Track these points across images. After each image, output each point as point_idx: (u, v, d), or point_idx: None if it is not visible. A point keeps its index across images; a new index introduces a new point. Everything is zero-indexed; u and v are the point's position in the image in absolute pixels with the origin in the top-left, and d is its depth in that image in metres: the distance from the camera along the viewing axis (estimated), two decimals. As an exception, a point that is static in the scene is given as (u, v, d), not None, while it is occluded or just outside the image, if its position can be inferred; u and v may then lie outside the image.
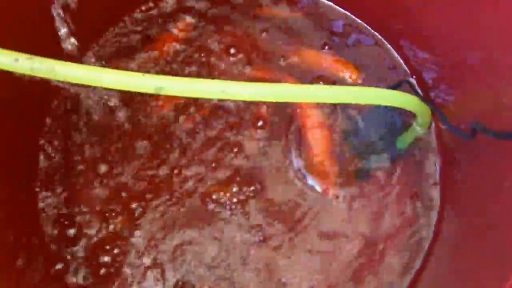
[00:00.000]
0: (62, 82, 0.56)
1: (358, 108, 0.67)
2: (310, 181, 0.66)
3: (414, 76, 0.67)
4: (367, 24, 0.71)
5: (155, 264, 0.64)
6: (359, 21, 0.71)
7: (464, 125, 0.53)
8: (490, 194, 0.50)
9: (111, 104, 0.67)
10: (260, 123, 0.68)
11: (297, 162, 0.66)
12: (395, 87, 0.63)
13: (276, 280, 0.63)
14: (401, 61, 0.69)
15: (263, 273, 0.63)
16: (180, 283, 0.63)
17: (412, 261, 0.64)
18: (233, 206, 0.65)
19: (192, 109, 0.69)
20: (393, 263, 0.64)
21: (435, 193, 0.65)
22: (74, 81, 0.43)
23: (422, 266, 0.63)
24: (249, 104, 0.69)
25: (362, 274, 0.63)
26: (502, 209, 0.47)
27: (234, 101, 0.68)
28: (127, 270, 0.63)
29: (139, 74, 0.45)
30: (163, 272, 0.64)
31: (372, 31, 0.71)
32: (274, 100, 0.48)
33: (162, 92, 0.45)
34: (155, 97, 0.69)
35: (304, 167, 0.66)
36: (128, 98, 0.68)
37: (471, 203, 0.56)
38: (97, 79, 0.44)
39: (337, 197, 0.66)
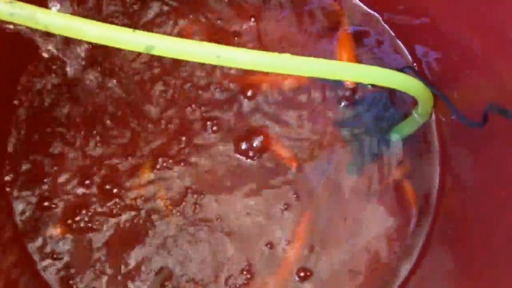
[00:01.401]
0: (41, 40, 0.52)
1: (351, 96, 0.65)
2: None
3: (415, 63, 0.65)
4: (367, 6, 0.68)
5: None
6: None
7: (469, 113, 0.51)
8: (492, 189, 0.48)
9: (88, 65, 0.64)
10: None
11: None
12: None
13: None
14: (403, 47, 0.66)
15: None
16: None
17: (405, 259, 0.62)
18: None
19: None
20: (386, 260, 0.62)
21: (433, 188, 0.63)
22: (56, 32, 0.40)
23: (417, 263, 0.61)
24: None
25: (355, 270, 0.62)
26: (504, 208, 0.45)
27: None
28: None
29: (129, 30, 0.41)
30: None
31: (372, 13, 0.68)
32: (273, 71, 0.45)
33: (153, 52, 0.42)
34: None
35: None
36: (109, 60, 0.65)
37: (471, 200, 0.54)
38: (81, 31, 0.40)
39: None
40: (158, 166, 0.63)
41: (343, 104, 0.65)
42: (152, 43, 0.42)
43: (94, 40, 0.41)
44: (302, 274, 0.61)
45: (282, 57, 0.45)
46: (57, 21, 0.40)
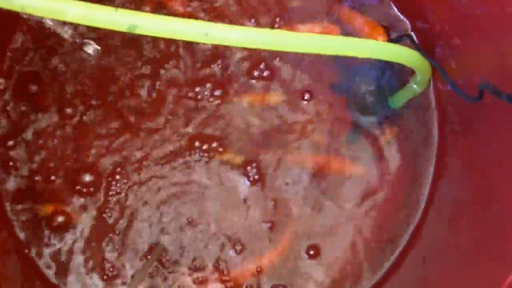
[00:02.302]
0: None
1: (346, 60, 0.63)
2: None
3: (413, 31, 0.63)
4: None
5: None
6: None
7: (468, 85, 0.50)
8: (493, 165, 0.47)
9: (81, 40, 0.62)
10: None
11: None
12: (395, 41, 0.59)
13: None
14: (400, 14, 0.64)
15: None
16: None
17: (400, 235, 0.62)
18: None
19: None
20: (381, 234, 0.62)
21: (431, 159, 0.62)
22: (32, 13, 0.38)
23: (412, 240, 0.61)
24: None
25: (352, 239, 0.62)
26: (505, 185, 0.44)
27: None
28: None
29: (111, 9, 0.40)
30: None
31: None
32: (265, 48, 0.43)
33: (137, 31, 0.40)
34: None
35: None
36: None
37: (470, 174, 0.53)
38: (60, 11, 0.38)
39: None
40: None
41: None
42: (135, 22, 0.40)
43: (74, 20, 0.39)
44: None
45: (273, 33, 0.43)
46: (32, 1, 0.38)
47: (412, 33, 0.63)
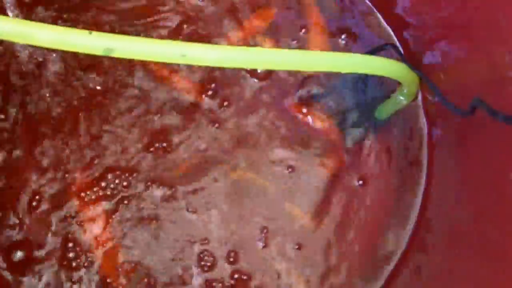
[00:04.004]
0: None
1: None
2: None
3: (399, 41, 0.63)
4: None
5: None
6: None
7: (458, 98, 0.49)
8: (485, 181, 0.47)
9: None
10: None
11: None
12: (376, 51, 0.59)
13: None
14: (382, 20, 0.64)
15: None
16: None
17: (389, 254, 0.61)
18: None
19: None
20: (372, 249, 0.61)
21: (420, 172, 0.62)
22: (2, 38, 0.38)
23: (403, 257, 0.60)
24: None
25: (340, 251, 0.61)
26: (498, 206, 0.43)
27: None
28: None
29: (85, 32, 0.39)
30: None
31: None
32: (244, 67, 0.43)
33: (113, 55, 0.40)
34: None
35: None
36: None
37: (461, 192, 0.52)
38: (29, 36, 0.38)
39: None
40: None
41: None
42: (111, 45, 0.40)
43: (45, 45, 0.39)
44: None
45: (252, 51, 0.43)
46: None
47: (396, 42, 0.63)
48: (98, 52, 0.39)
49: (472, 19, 0.47)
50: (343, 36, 0.63)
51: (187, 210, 0.60)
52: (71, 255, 0.59)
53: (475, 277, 0.46)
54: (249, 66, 0.43)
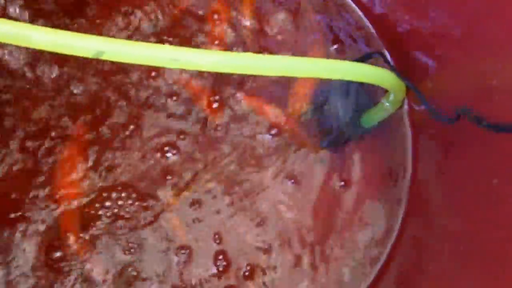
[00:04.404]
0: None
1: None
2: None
3: (388, 49, 0.63)
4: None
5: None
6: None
7: (444, 106, 0.50)
8: (468, 190, 0.47)
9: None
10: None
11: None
12: (364, 58, 0.59)
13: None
14: (371, 27, 0.65)
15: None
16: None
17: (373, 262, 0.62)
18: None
19: None
20: (355, 257, 0.61)
21: (405, 179, 0.62)
22: (-5, 40, 0.38)
23: (388, 260, 0.60)
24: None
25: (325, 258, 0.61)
26: (480, 214, 0.44)
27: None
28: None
29: (77, 34, 0.39)
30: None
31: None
32: (237, 72, 0.43)
33: (104, 57, 0.40)
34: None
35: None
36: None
37: (445, 199, 0.53)
38: (24, 37, 0.38)
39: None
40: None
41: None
42: (102, 48, 0.39)
43: (39, 46, 0.38)
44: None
45: (245, 57, 0.43)
46: (-5, 28, 0.37)
47: (384, 50, 0.63)
48: (89, 54, 0.39)
49: (460, 29, 0.48)
50: (335, 46, 0.64)
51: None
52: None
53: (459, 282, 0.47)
54: (240, 71, 0.43)
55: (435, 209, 0.55)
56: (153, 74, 0.62)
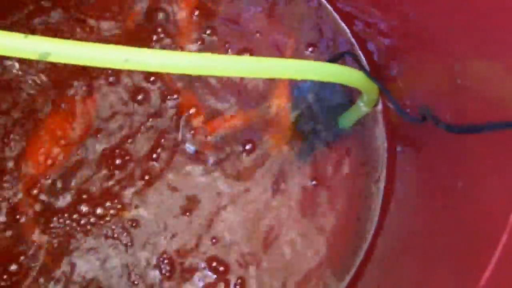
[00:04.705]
0: None
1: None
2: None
3: (360, 48, 0.62)
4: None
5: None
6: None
7: (415, 106, 0.49)
8: (437, 192, 0.46)
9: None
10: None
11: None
12: (335, 59, 0.58)
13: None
14: (345, 27, 0.63)
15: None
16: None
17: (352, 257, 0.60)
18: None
19: None
20: (332, 256, 0.60)
21: (380, 181, 0.61)
22: None
23: (365, 260, 0.59)
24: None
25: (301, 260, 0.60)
26: (452, 214, 0.43)
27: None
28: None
29: (20, 35, 0.38)
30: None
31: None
32: (191, 73, 0.42)
33: (50, 59, 0.38)
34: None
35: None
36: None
37: (417, 199, 0.51)
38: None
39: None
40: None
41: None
42: (48, 49, 0.38)
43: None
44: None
45: (199, 57, 0.42)
46: None
47: (360, 51, 0.62)
48: (34, 56, 0.38)
49: (427, 28, 0.47)
50: (310, 49, 0.63)
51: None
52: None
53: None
54: (197, 72, 0.42)
55: (409, 208, 0.55)
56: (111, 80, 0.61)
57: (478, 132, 0.33)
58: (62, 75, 0.61)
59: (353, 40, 0.63)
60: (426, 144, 0.50)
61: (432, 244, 0.46)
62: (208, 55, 0.42)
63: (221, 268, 0.59)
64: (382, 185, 0.61)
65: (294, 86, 0.63)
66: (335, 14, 0.63)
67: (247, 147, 0.61)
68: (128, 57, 0.39)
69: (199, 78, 0.61)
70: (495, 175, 0.37)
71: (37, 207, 0.59)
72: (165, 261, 0.59)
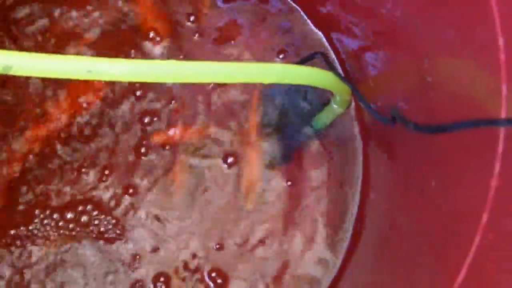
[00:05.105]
0: None
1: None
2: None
3: (331, 48, 0.62)
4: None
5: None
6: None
7: (385, 107, 0.49)
8: (411, 191, 0.46)
9: None
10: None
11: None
12: (305, 60, 0.57)
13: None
14: (315, 29, 0.63)
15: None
16: None
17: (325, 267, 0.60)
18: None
19: None
20: (310, 259, 0.60)
21: (357, 182, 0.61)
22: None
23: (342, 267, 0.59)
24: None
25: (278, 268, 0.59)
26: (426, 213, 0.42)
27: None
28: None
29: (-27, 49, 0.37)
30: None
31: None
32: (157, 81, 0.41)
33: (12, 72, 0.37)
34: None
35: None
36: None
37: (393, 198, 0.51)
38: None
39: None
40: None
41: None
42: (9, 62, 0.37)
43: None
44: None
45: (166, 65, 0.41)
46: None
47: (331, 51, 0.62)
48: (-6, 70, 0.37)
49: (396, 26, 0.47)
50: (281, 56, 0.63)
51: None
52: None
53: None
54: (162, 80, 0.41)
55: (384, 209, 0.54)
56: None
57: (445, 131, 0.33)
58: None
59: (324, 41, 0.63)
60: (400, 144, 0.50)
61: (409, 245, 0.45)
62: (173, 62, 0.42)
63: (214, 274, 0.59)
64: (358, 186, 0.60)
65: (267, 91, 0.62)
66: (305, 18, 0.63)
67: (227, 158, 0.61)
68: (91, 68, 0.39)
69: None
70: (467, 174, 0.36)
71: None
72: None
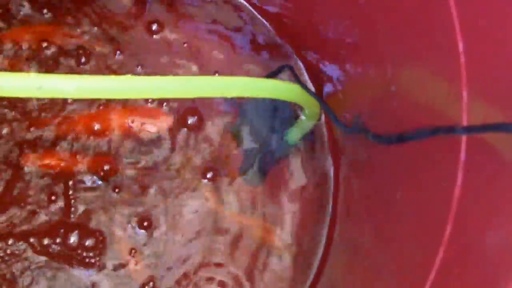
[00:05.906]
0: None
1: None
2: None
3: (301, 61, 0.61)
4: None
5: None
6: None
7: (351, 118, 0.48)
8: (379, 203, 0.45)
9: None
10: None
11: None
12: (273, 74, 0.56)
13: None
14: (284, 42, 0.62)
15: None
16: None
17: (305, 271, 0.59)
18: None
19: None
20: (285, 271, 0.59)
21: (328, 195, 0.60)
22: None
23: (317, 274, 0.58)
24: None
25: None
26: (393, 227, 0.41)
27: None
28: None
29: None
30: None
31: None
32: (111, 97, 0.40)
33: None
34: None
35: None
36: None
37: (364, 210, 0.50)
38: None
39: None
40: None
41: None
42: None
43: None
44: None
45: (120, 80, 0.40)
46: None
47: (300, 63, 0.61)
48: None
49: (359, 37, 0.46)
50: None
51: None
52: None
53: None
54: (117, 96, 0.40)
55: (355, 221, 0.53)
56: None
57: (404, 141, 0.32)
58: None
59: (293, 54, 0.62)
60: (368, 156, 0.49)
61: (377, 257, 0.44)
62: (129, 78, 0.40)
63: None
64: (329, 199, 0.59)
65: (238, 106, 0.61)
66: (270, 28, 0.62)
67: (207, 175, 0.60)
68: (41, 84, 0.37)
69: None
70: (431, 185, 0.35)
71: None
72: None
